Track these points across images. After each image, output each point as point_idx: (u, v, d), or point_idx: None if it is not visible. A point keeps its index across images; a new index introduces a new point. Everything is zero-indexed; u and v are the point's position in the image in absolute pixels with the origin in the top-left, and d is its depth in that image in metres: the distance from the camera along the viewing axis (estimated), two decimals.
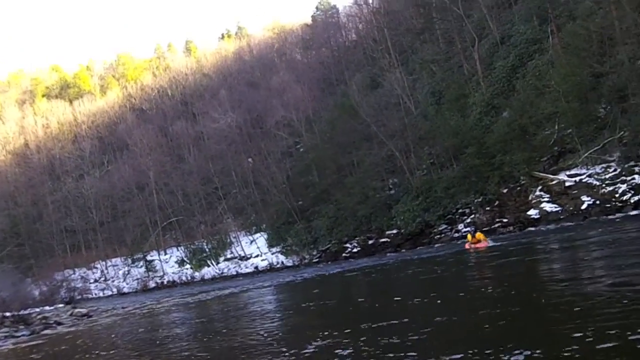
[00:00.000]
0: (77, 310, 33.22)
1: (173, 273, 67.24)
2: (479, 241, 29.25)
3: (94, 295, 69.64)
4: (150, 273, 69.25)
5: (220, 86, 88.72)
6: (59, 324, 28.15)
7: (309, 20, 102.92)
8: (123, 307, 35.60)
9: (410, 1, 60.36)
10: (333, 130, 55.70)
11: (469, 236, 30.72)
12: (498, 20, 52.32)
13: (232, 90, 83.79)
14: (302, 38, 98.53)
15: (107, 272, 74.91)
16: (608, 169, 32.24)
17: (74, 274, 74.12)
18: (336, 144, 53.43)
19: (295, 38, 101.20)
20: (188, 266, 66.03)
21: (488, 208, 39.77)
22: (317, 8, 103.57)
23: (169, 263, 69.46)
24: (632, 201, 29.87)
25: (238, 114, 69.96)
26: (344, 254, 48.38)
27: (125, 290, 68.92)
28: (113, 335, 19.15)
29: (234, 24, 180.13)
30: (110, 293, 69.54)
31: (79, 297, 65.06)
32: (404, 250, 42.24)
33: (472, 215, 40.84)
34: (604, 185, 31.78)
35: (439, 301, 12.75)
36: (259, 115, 72.43)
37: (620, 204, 30.33)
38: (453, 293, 13.02)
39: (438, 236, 42.14)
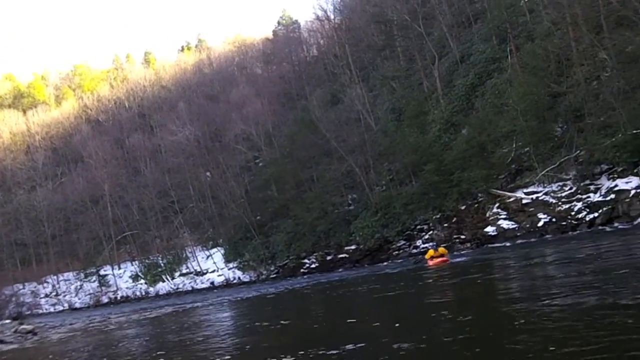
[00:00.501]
0: (22, 327, 31.46)
1: (127, 288, 65.97)
2: (441, 255, 28.92)
3: (45, 311, 67.82)
4: (103, 288, 67.77)
5: (179, 99, 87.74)
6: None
7: (270, 35, 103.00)
8: (71, 324, 34.34)
9: (372, 18, 60.70)
10: (293, 145, 55.45)
11: (431, 251, 30.11)
12: (458, 39, 52.93)
13: (191, 103, 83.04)
14: (263, 52, 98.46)
15: (59, 287, 73.12)
16: (564, 187, 32.61)
17: (24, 288, 72.00)
18: (296, 159, 53.19)
19: (256, 52, 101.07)
20: (142, 281, 64.79)
21: (446, 224, 39.92)
22: (278, 22, 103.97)
23: (123, 278, 68.13)
24: (587, 219, 30.21)
25: (196, 127, 69.16)
26: (302, 270, 48.02)
27: (77, 305, 67.25)
28: (52, 356, 17.89)
29: (195, 36, 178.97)
30: (61, 308, 67.81)
31: (28, 312, 63.02)
32: (364, 266, 42.11)
33: (431, 232, 40.96)
34: (560, 203, 32.12)
35: (397, 324, 12.18)
36: (218, 129, 71.80)
37: (576, 222, 30.66)
38: (412, 314, 12.52)
39: (396, 252, 42.14)
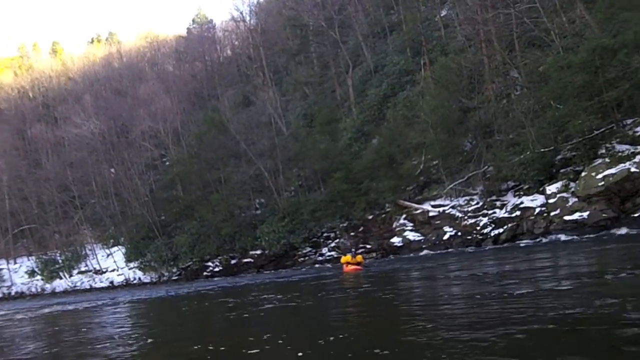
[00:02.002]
0: None
1: (22, 284, 62.96)
2: (358, 263, 28.40)
3: None
4: None
5: (85, 91, 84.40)
6: None
7: (184, 33, 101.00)
8: None
9: (287, 21, 60.18)
10: (201, 145, 54.05)
11: (348, 257, 29.47)
12: (373, 49, 53.23)
13: (97, 97, 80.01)
14: (175, 49, 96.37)
15: None
16: (471, 202, 32.93)
17: None
18: (203, 160, 51.84)
19: (168, 49, 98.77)
20: (39, 277, 61.85)
21: (353, 233, 39.74)
22: (193, 21, 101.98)
23: (19, 273, 64.97)
24: (492, 234, 30.51)
25: (102, 121, 66.47)
26: (205, 273, 46.88)
27: None
28: None
29: (106, 29, 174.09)
30: None
31: None
32: (269, 272, 41.45)
33: (337, 240, 40.73)
34: (466, 217, 32.37)
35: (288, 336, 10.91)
36: (124, 124, 69.30)
37: (481, 237, 30.93)
38: (320, 330, 11.29)
39: (302, 259, 41.70)
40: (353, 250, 33.53)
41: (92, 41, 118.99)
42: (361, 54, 53.27)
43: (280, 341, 9.70)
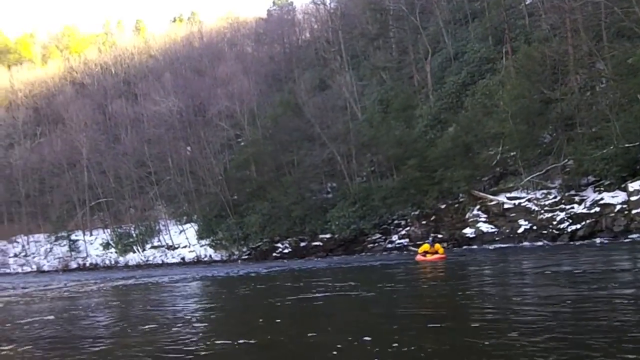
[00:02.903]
0: None
1: (97, 256, 64.74)
2: (436, 252, 26.89)
3: (12, 271, 66.91)
4: (73, 253, 66.44)
5: (165, 69, 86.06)
6: None
7: (264, 14, 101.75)
8: (24, 288, 32.73)
9: (367, 5, 59.57)
10: (276, 127, 54.29)
11: (426, 245, 27.58)
12: (453, 36, 52.32)
13: (177, 75, 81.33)
14: (255, 31, 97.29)
15: (28, 248, 72.09)
16: (548, 196, 32.01)
17: None
18: (277, 141, 52.03)
19: (248, 30, 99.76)
20: (113, 250, 63.49)
21: (424, 222, 39.26)
22: (273, 3, 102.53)
23: (94, 245, 66.87)
24: (568, 230, 29.62)
25: (181, 99, 67.58)
26: (274, 254, 47.16)
27: (46, 268, 66.14)
28: None
29: (188, 9, 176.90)
30: (29, 270, 66.79)
31: None
32: (338, 256, 41.27)
33: (408, 228, 40.33)
34: (542, 211, 31.50)
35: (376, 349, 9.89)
36: (202, 103, 70.26)
37: (557, 232, 30.06)
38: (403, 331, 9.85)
39: (371, 245, 41.43)
40: (431, 239, 31.93)
41: (174, 20, 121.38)
42: (441, 40, 52.40)
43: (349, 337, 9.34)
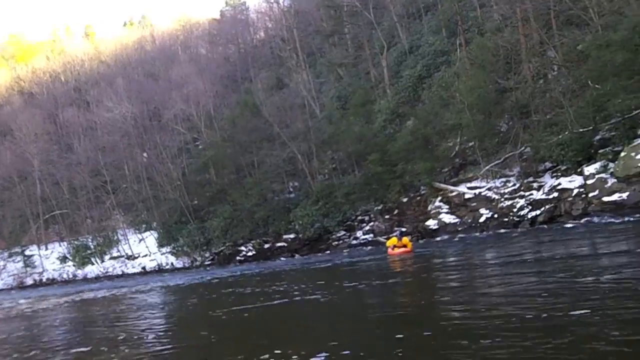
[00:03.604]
0: None
1: (54, 270, 63.17)
2: (404, 246, 27.33)
3: None
4: (28, 269, 64.49)
5: (117, 75, 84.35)
6: None
7: (217, 15, 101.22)
8: None
9: (321, 2, 59.63)
10: (234, 129, 53.95)
11: (394, 239, 28.13)
12: (408, 29, 52.69)
13: (130, 80, 79.95)
14: (208, 32, 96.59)
15: None
16: (507, 184, 32.41)
17: None
18: (236, 143, 51.71)
19: (201, 32, 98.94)
20: (70, 263, 61.99)
21: (387, 216, 39.42)
22: (226, 3, 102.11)
23: (50, 259, 65.20)
24: (529, 217, 30.01)
25: (134, 104, 66.37)
26: (238, 257, 46.82)
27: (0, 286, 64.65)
28: None
29: (139, 12, 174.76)
30: None
31: None
32: (303, 256, 41.29)
33: (371, 223, 40.44)
34: (502, 199, 31.89)
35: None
36: (157, 108, 69.34)
37: (518, 219, 30.43)
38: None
39: (336, 242, 41.46)
40: (398, 232, 32.09)
41: (125, 25, 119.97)
42: (396, 34, 52.69)
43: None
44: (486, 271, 16.16)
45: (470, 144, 35.94)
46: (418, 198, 38.26)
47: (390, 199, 39.20)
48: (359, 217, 41.50)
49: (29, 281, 63.13)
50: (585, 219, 26.90)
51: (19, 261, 65.60)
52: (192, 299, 21.29)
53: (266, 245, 45.87)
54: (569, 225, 26.73)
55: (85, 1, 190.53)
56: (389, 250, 27.68)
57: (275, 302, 15.47)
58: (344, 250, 39.08)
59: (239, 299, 18.22)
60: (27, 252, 65.91)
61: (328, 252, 40.50)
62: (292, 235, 44.16)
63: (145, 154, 63.70)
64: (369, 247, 37.33)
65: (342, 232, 41.65)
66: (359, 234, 40.78)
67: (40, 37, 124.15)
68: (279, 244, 45.03)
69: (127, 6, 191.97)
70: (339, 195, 41.76)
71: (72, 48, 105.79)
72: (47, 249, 67.23)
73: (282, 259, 41.82)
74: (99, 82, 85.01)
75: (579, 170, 28.37)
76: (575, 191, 28.25)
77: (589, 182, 27.10)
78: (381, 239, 31.49)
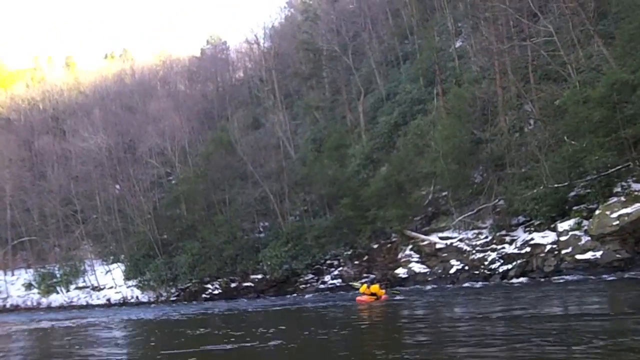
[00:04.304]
0: None
1: (18, 296, 61.89)
2: (372, 294, 26.00)
3: None
4: None
5: (95, 105, 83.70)
6: None
7: (197, 53, 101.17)
8: None
9: (301, 44, 59.85)
10: (208, 165, 53.31)
11: (364, 287, 27.01)
12: (385, 76, 52.95)
13: (107, 112, 79.22)
14: (188, 69, 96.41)
15: None
16: (480, 236, 32.11)
17: None
18: (209, 179, 51.08)
19: (181, 68, 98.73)
20: (35, 290, 60.66)
21: (357, 262, 38.95)
22: (207, 41, 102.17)
23: (15, 285, 63.97)
24: (500, 270, 29.66)
25: (110, 136, 65.85)
26: (203, 295, 45.94)
27: None
28: None
29: (120, 46, 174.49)
30: None
31: None
32: (269, 297, 40.45)
33: (340, 268, 39.92)
34: (474, 251, 31.55)
35: None
36: (132, 141, 68.73)
37: (489, 272, 30.07)
38: None
39: (303, 285, 40.80)
40: (369, 280, 30.86)
41: (106, 57, 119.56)
42: (373, 81, 52.86)
43: None
44: (455, 327, 15.42)
45: (444, 193, 35.75)
46: (389, 245, 37.86)
47: (361, 245, 38.77)
48: (328, 261, 40.97)
49: None
50: (557, 276, 26.59)
51: None
52: (149, 337, 20.34)
53: (233, 284, 45.11)
54: (541, 281, 26.39)
55: (68, 32, 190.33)
56: (361, 297, 26.53)
57: (229, 346, 14.56)
58: (311, 294, 38.32)
59: (195, 340, 17.32)
60: None
61: (295, 294, 39.78)
62: (259, 276, 43.47)
63: (117, 186, 62.82)
64: (339, 292, 36.61)
65: (310, 276, 41.05)
66: (327, 278, 40.19)
67: (22, 64, 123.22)
68: (245, 284, 44.28)
69: (109, 39, 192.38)
70: (309, 238, 41.24)
71: (52, 77, 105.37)
72: (13, 274, 66.14)
73: (244, 300, 40.96)
74: (77, 112, 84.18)
75: (552, 226, 28.14)
76: (548, 247, 27.98)
77: (562, 238, 26.84)
78: (356, 283, 30.35)
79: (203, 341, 16.51)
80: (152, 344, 18.12)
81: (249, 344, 14.34)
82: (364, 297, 26.16)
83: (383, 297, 26.32)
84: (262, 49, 70.14)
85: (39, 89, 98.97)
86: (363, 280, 30.67)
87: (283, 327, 18.49)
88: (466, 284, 30.20)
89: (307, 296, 37.63)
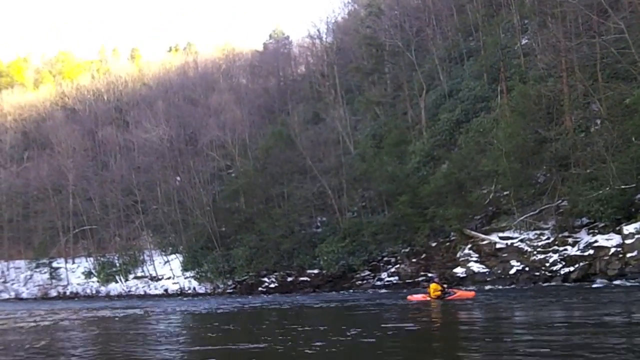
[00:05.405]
0: None
1: (78, 284, 63.63)
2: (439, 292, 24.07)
3: None
4: (53, 281, 65.33)
5: (158, 98, 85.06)
6: None
7: (260, 47, 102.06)
8: None
9: (363, 39, 59.59)
10: (267, 159, 53.65)
11: (434, 285, 24.55)
12: (448, 73, 52.23)
13: (169, 104, 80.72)
14: (250, 63, 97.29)
15: (8, 274, 70.91)
16: (541, 236, 31.35)
17: None
18: (268, 173, 51.49)
19: (244, 62, 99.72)
20: (95, 279, 62.34)
21: (414, 260, 38.56)
22: (270, 36, 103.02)
23: (76, 273, 65.79)
24: (561, 272, 28.93)
25: (172, 128, 66.92)
26: (260, 288, 46.24)
27: (24, 295, 65.25)
28: None
29: (184, 39, 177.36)
30: (7, 297, 65.60)
31: None
32: (325, 292, 40.32)
33: (397, 265, 39.57)
34: (535, 252, 30.82)
35: None
36: (193, 133, 69.76)
37: (550, 274, 29.36)
38: None
39: (360, 282, 40.63)
40: (434, 276, 28.90)
41: (170, 50, 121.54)
42: (436, 77, 52.21)
43: None
44: (515, 333, 14.46)
45: (505, 192, 34.99)
46: (447, 244, 37.37)
47: (419, 243, 38.33)
48: (385, 258, 40.70)
49: (53, 293, 63.82)
50: (621, 279, 25.79)
51: (45, 272, 66.36)
52: (209, 331, 20.15)
53: (289, 279, 45.23)
54: (601, 286, 25.55)
55: (134, 24, 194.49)
56: (409, 296, 25.52)
57: (262, 345, 13.75)
58: (367, 291, 38.02)
59: (239, 336, 16.99)
60: (54, 265, 66.62)
61: (351, 291, 39.59)
62: (315, 271, 43.47)
63: (178, 177, 63.76)
64: (396, 290, 36.14)
65: (367, 272, 40.85)
66: (383, 275, 39.91)
67: (89, 56, 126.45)
68: (302, 278, 44.34)
69: (174, 32, 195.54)
70: (367, 234, 41.04)
71: (117, 69, 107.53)
72: (73, 262, 67.92)
73: (300, 294, 40.74)
74: (140, 104, 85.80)
75: (617, 228, 27.29)
76: (612, 250, 27.15)
77: (628, 241, 25.99)
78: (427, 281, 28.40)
79: (244, 339, 15.65)
80: (218, 337, 17.72)
81: (283, 345, 13.39)
82: (417, 296, 25.28)
83: (460, 294, 24.50)
84: (325, 43, 70.12)
85: (104, 80, 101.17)
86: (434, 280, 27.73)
87: (331, 326, 17.76)
88: (526, 285, 29.53)
89: (363, 293, 37.24)
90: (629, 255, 25.83)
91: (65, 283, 64.65)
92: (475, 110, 43.80)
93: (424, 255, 38.32)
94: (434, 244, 38.08)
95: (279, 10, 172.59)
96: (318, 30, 71.54)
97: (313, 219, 48.31)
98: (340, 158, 48.55)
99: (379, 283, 39.58)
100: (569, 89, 33.97)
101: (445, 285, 25.59)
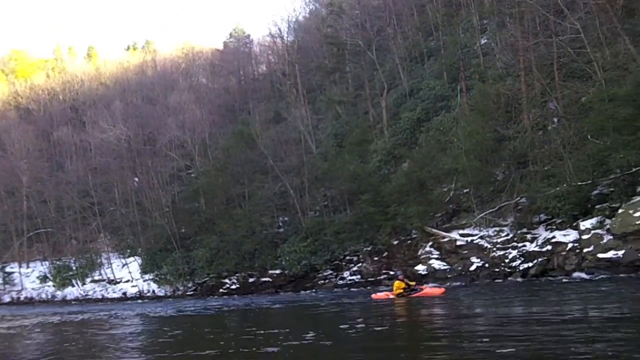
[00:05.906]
0: None
1: (33, 289, 62.26)
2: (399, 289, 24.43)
3: None
4: (7, 286, 63.53)
5: (115, 97, 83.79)
6: None
7: (220, 46, 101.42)
8: None
9: (325, 38, 59.70)
10: (228, 159, 53.29)
11: (398, 282, 24.86)
12: (409, 72, 52.56)
13: (127, 103, 79.62)
14: (211, 62, 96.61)
15: None
16: (500, 233, 31.71)
17: None
18: (229, 173, 51.14)
19: (203, 61, 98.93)
20: (50, 283, 61.06)
21: (376, 258, 38.77)
22: (230, 35, 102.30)
23: (30, 277, 64.21)
24: (520, 268, 29.30)
25: (130, 127, 65.97)
26: (221, 290, 46.02)
27: None
28: None
29: (142, 37, 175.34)
30: None
31: None
32: (287, 293, 40.31)
33: (360, 264, 39.75)
34: (494, 248, 31.17)
35: None
36: (152, 133, 68.74)
37: (509, 270, 29.72)
38: None
39: (322, 281, 40.73)
40: (399, 273, 29.04)
41: (128, 48, 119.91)
42: (397, 76, 52.52)
43: None
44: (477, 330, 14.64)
45: (465, 190, 35.36)
46: (409, 242, 37.64)
47: (381, 241, 38.55)
48: (347, 257, 40.81)
49: (7, 298, 62.17)
50: (578, 274, 26.28)
51: None
52: (166, 335, 19.82)
53: (251, 279, 45.09)
54: (563, 280, 25.99)
55: (90, 22, 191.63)
56: (373, 295, 26.08)
57: (214, 352, 13.40)
58: (329, 290, 38.13)
59: (206, 340, 16.89)
60: (8, 269, 64.94)
61: (313, 290, 39.64)
62: (277, 271, 43.38)
63: (136, 178, 62.96)
64: (358, 288, 36.46)
65: (329, 271, 40.94)
66: (346, 274, 40.09)
67: (43, 54, 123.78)
68: (263, 279, 44.24)
69: (132, 30, 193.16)
70: (329, 233, 41.11)
71: (73, 68, 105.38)
72: (28, 267, 66.31)
73: (261, 295, 40.56)
74: (97, 103, 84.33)
75: (574, 224, 27.76)
76: (570, 245, 27.61)
77: (584, 237, 26.42)
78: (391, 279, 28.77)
79: (201, 344, 15.22)
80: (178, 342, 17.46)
81: (241, 349, 12.97)
82: (381, 294, 25.76)
83: (427, 291, 24.74)
84: (286, 42, 69.95)
85: (60, 80, 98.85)
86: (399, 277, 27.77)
87: (292, 328, 17.57)
88: (486, 281, 29.93)
89: (326, 292, 37.35)
90: (585, 250, 26.25)
91: (20, 288, 63.13)
92: (435, 109, 44.19)
93: (385, 254, 38.53)
94: (395, 242, 38.29)
95: (240, 8, 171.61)
96: (279, 29, 71.36)
97: (275, 219, 48.15)
98: (302, 157, 48.48)
99: (341, 282, 39.72)
100: (527, 87, 34.52)
101: (411, 283, 25.93)
